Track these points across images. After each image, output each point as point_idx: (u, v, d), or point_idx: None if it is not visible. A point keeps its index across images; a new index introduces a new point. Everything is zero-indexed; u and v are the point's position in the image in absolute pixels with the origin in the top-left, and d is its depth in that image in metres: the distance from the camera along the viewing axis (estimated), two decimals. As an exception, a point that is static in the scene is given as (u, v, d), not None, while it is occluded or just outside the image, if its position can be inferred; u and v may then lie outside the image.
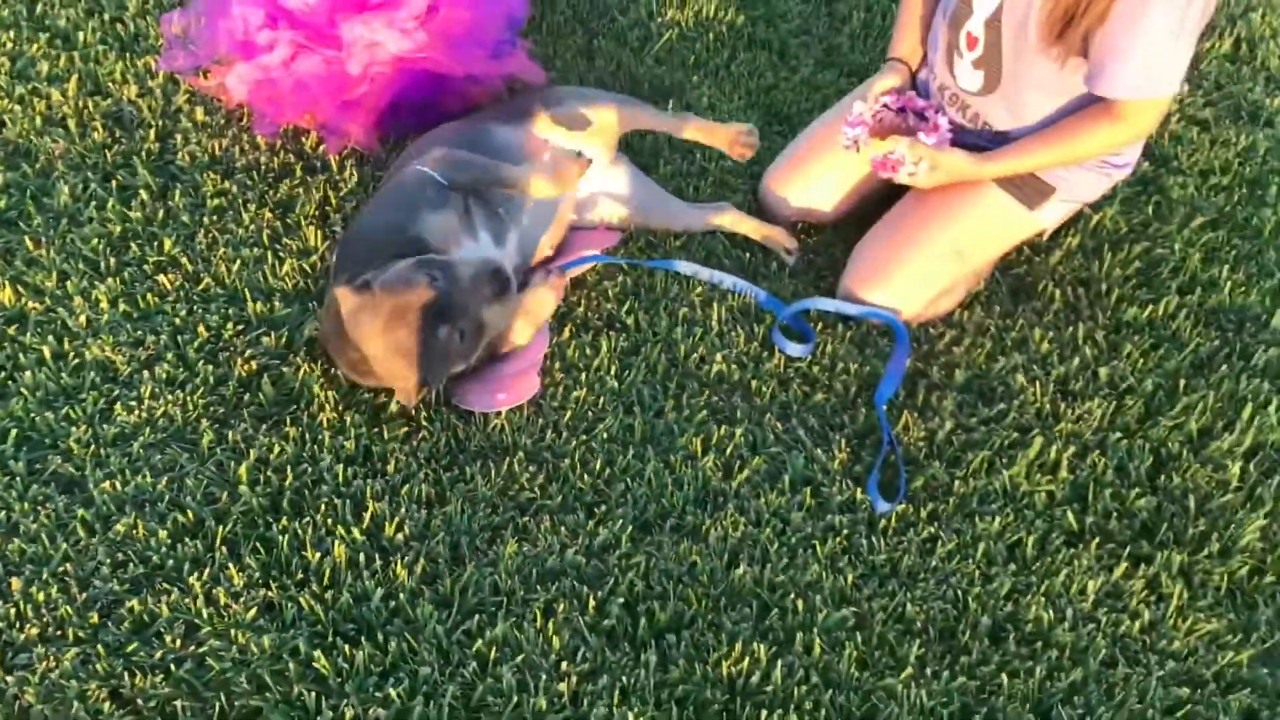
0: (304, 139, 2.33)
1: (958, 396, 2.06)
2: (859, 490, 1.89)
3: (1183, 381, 2.14)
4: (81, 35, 2.48)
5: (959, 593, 1.79)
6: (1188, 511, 1.94)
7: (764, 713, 1.61)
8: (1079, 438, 2.02)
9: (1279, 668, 1.77)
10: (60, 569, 1.64)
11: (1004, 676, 1.69)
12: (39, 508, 1.71)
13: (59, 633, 1.58)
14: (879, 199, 2.30)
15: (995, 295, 2.27)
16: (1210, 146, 2.71)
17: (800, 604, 1.73)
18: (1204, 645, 1.78)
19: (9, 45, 2.44)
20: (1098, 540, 1.88)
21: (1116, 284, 2.31)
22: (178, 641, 1.59)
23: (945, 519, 1.89)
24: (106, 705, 1.52)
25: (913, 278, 2.15)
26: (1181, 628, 1.79)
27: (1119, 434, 2.03)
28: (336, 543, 1.71)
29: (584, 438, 1.91)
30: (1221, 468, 2.01)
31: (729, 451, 1.93)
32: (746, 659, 1.66)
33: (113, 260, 2.05)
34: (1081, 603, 1.80)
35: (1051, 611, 1.78)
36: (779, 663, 1.66)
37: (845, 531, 1.84)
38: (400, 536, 1.74)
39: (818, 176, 2.31)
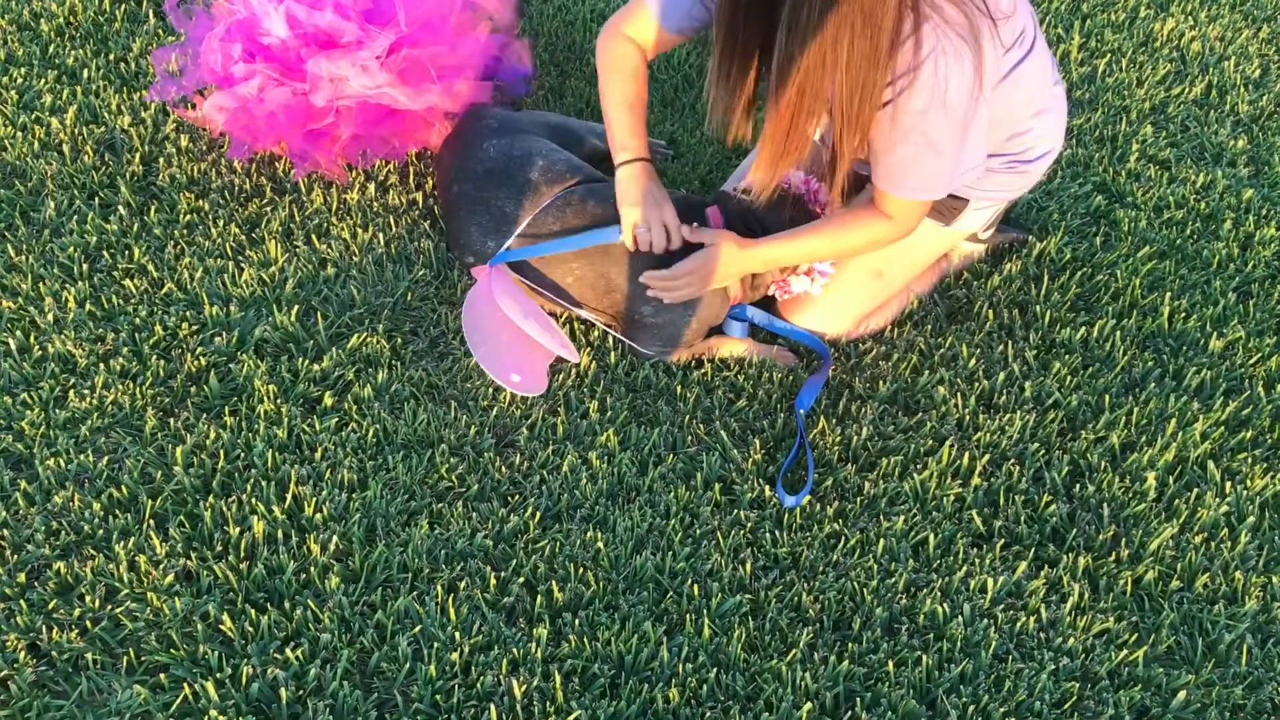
0: (277, 164, 2.48)
1: (879, 407, 2.12)
2: (769, 489, 1.95)
3: (1109, 398, 2.17)
4: (86, 72, 2.68)
5: (856, 585, 1.83)
6: (1101, 519, 1.97)
7: (647, 687, 1.67)
8: (996, 447, 2.07)
9: (1176, 668, 1.78)
10: (-2, 534, 1.77)
11: (892, 665, 1.73)
12: (-14, 481, 1.84)
13: (-12, 590, 1.70)
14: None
15: (930, 315, 2.33)
16: (1168, 184, 2.76)
17: (697, 590, 1.79)
18: (1101, 644, 1.80)
19: (19, 80, 2.64)
20: (1004, 542, 1.92)
21: (1053, 307, 2.36)
22: (97, 602, 1.70)
23: (852, 518, 1.94)
24: (23, 655, 1.63)
25: (837, 301, 2.22)
26: (1079, 625, 1.81)
27: (1038, 445, 2.07)
28: (257, 520, 1.81)
29: (506, 434, 2.00)
30: (1140, 479, 2.03)
31: (646, 450, 2.00)
32: (636, 638, 1.72)
33: (85, 266, 2.20)
34: (980, 599, 1.83)
35: (948, 606, 1.81)
36: (669, 642, 1.72)
37: (750, 525, 1.90)
38: (319, 517, 1.84)
39: None
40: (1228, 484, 2.04)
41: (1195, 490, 2.03)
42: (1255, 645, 1.81)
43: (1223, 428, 2.14)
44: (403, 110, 2.41)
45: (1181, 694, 1.72)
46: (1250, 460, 2.08)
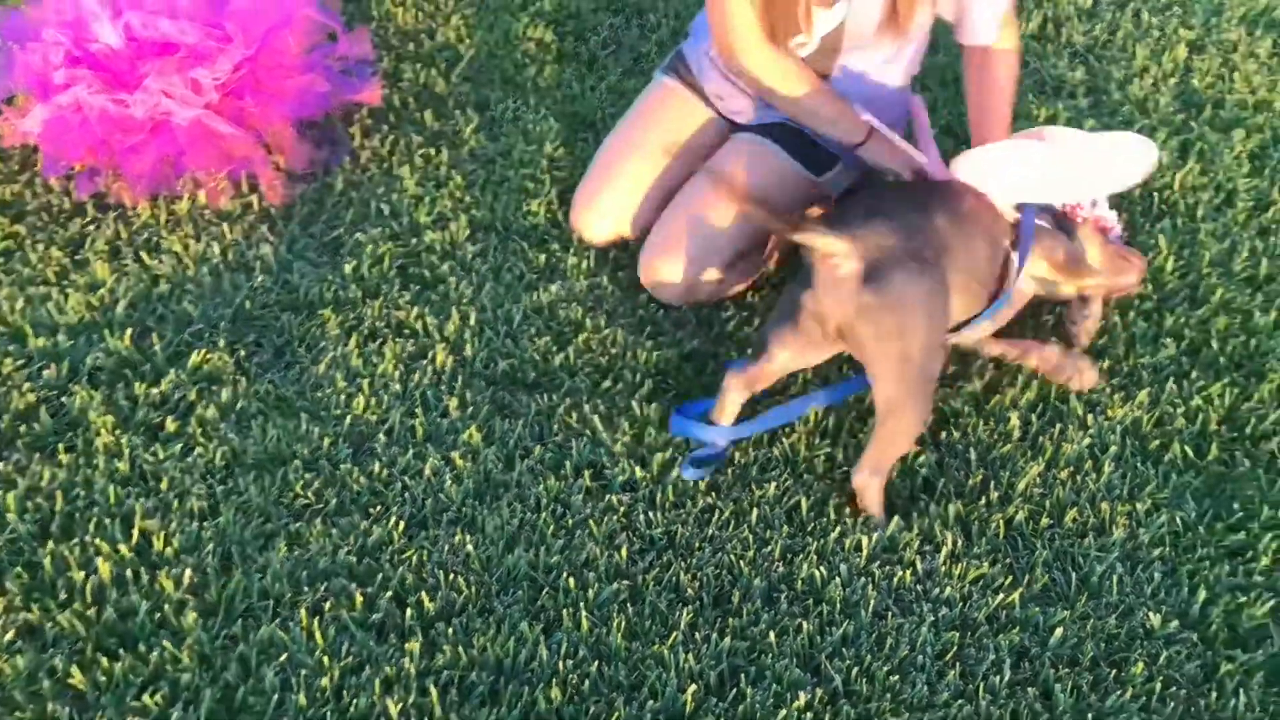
0: (97, 178, 2.34)
1: (745, 373, 2.10)
2: (639, 469, 1.92)
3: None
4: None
5: (733, 558, 1.81)
6: (969, 464, 1.98)
7: (528, 690, 1.62)
8: (861, 402, 2.06)
9: (1051, 605, 1.80)
10: None
11: (774, 635, 1.71)
12: None
13: None
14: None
15: (785, 276, 2.31)
16: (1013, 120, 2.78)
17: (573, 582, 1.75)
18: (977, 590, 1.81)
19: None
20: (876, 498, 1.92)
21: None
22: (-69, 670, 1.59)
23: (725, 489, 1.91)
24: None
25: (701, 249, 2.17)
26: (955, 573, 1.82)
27: (903, 396, 2.07)
28: (103, 561, 1.71)
29: (363, 442, 1.93)
30: (1004, 420, 2.05)
31: (511, 443, 1.95)
32: (513, 640, 1.67)
33: (-108, 308, 2.06)
34: (856, 558, 1.83)
35: (825, 569, 1.80)
36: (547, 640, 1.68)
37: (624, 509, 1.87)
38: (169, 550, 1.75)
39: (629, 184, 2.31)
40: (1089, 416, 2.07)
41: (1058, 425, 2.05)
42: (1125, 573, 1.84)
43: (1081, 360, 2.17)
44: (226, 135, 2.30)
45: (1058, 631, 1.74)
46: (1109, 390, 2.11)
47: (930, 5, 2.13)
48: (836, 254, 1.75)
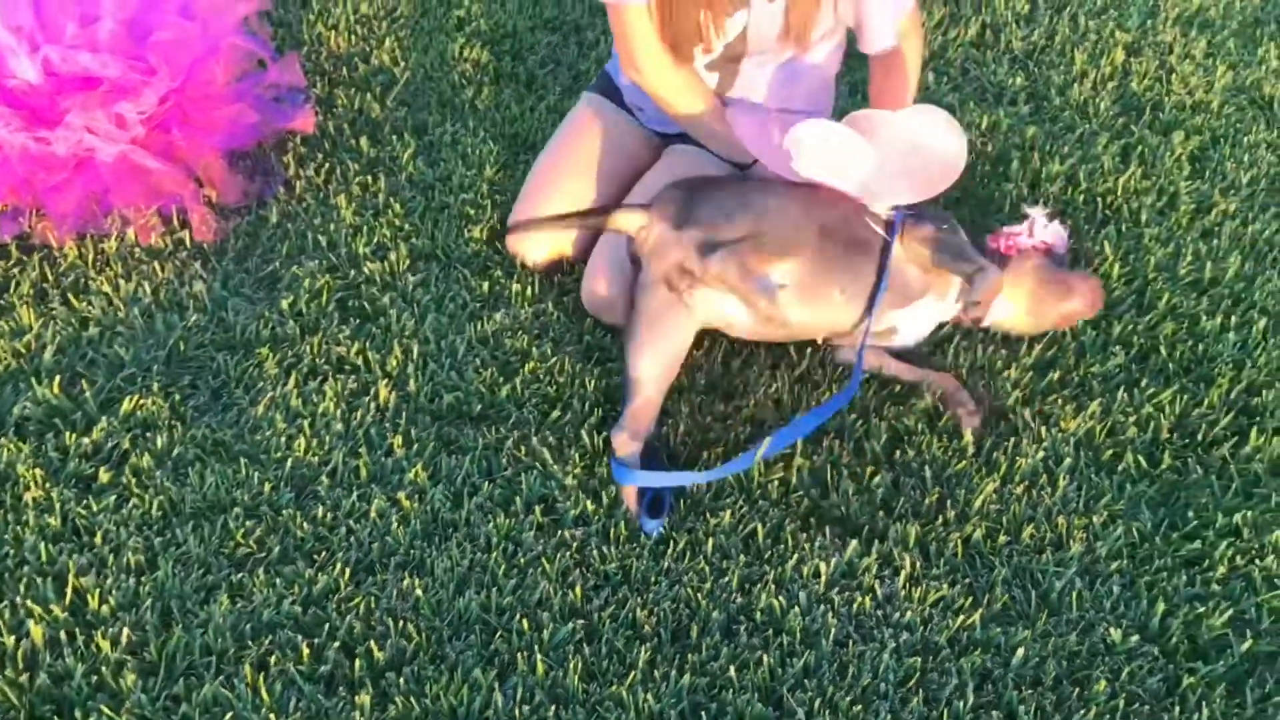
0: (20, 219, 2.27)
1: (696, 398, 2.07)
2: (590, 502, 1.88)
3: (918, 360, 2.17)
4: None
5: (690, 590, 1.77)
6: (924, 483, 1.96)
7: (483, 739, 1.58)
8: (821, 428, 2.03)
9: (1012, 624, 1.78)
10: None
11: (734, 669, 1.68)
12: None
13: None
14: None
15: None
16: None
17: (526, 624, 1.71)
18: (937, 612, 1.78)
19: None
20: (832, 520, 1.89)
21: (856, 270, 2.34)
22: None
23: (678, 519, 1.88)
24: None
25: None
26: (915, 596, 1.79)
27: (855, 415, 2.05)
28: (35, 624, 1.64)
29: (305, 485, 1.87)
30: (957, 436, 2.03)
31: (459, 480, 1.90)
32: (467, 687, 1.62)
33: None
34: (815, 585, 1.80)
35: (784, 598, 1.77)
36: (502, 686, 1.64)
37: (576, 545, 1.82)
38: (105, 609, 1.68)
39: (564, 204, 2.26)
40: (1042, 429, 2.06)
41: (1012, 439, 2.04)
42: (1084, 588, 1.82)
43: (1032, 372, 2.16)
44: (154, 169, 2.24)
45: (1020, 651, 1.72)
46: (1060, 401, 2.11)
47: (832, 12, 2.14)
48: (642, 226, 1.97)
